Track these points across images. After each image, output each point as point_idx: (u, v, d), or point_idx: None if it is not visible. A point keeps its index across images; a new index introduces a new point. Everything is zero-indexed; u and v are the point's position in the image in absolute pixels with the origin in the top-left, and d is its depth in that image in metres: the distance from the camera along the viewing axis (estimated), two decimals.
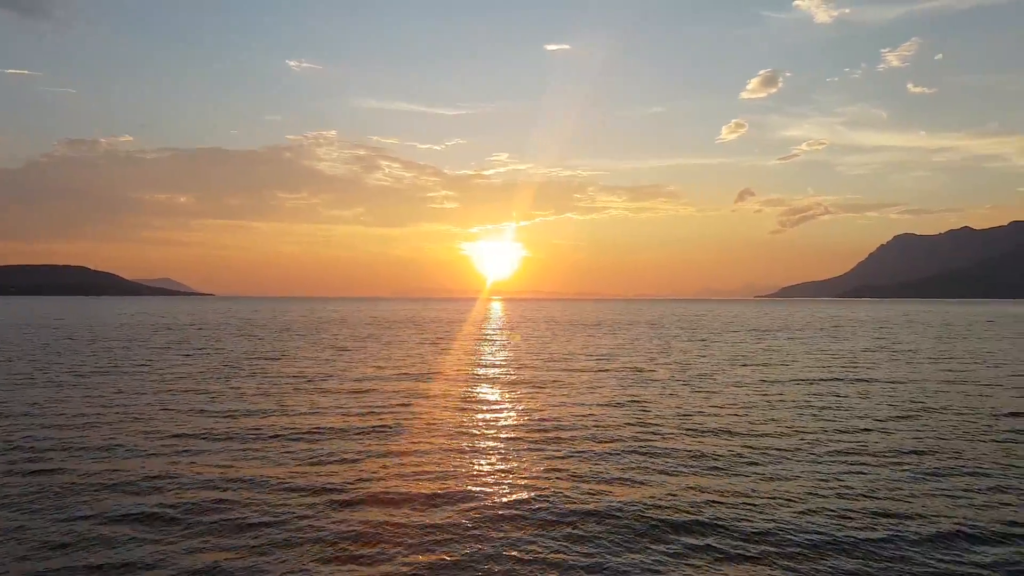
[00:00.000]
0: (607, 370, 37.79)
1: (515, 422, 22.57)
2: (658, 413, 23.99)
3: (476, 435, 20.40)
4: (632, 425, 21.74)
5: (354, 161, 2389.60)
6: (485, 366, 40.43)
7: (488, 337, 67.97)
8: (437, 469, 16.36)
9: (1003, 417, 23.55)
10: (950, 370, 38.14)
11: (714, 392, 29.30)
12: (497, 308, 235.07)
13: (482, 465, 16.88)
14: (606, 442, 19.32)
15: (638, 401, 26.73)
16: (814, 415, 23.74)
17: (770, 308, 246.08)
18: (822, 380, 33.48)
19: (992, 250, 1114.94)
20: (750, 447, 18.76)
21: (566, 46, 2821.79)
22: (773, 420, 22.76)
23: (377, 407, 25.06)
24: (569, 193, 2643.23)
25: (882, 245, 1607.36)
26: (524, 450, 18.53)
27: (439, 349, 52.49)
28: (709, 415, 23.67)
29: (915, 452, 18.26)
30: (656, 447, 18.72)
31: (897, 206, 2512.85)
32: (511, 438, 20.04)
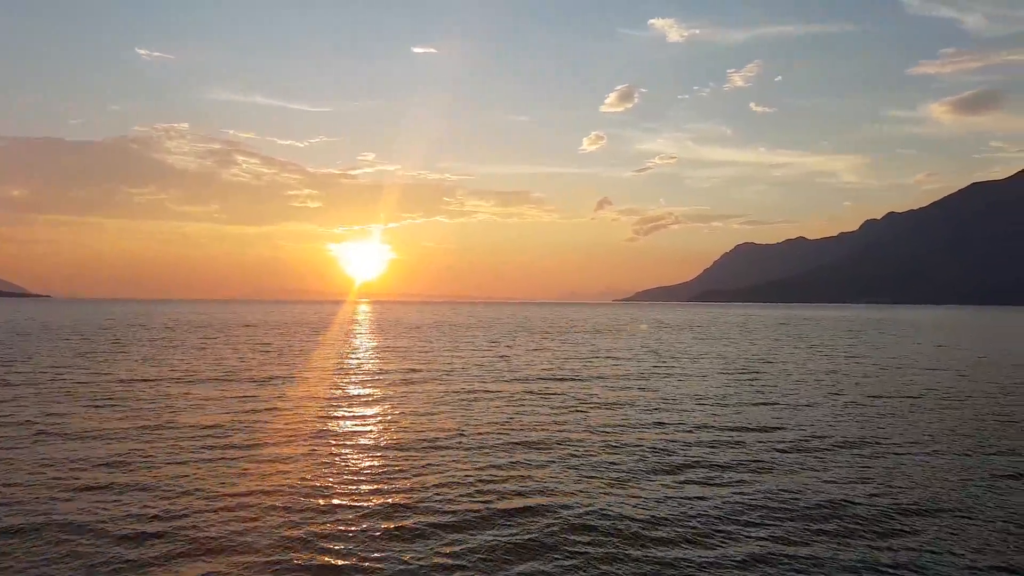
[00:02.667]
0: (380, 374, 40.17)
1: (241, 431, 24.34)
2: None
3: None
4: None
5: (208, 155, 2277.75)
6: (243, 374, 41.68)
7: (297, 341, 68.72)
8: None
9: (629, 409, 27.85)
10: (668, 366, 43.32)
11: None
12: (356, 310, 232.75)
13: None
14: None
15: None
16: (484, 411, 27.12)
17: (612, 311, 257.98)
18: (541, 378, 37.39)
19: (823, 259, 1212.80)
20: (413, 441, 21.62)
21: (432, 49, 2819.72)
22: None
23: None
24: (438, 196, 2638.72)
25: (725, 253, 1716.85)
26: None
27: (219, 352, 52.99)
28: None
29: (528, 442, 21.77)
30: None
31: (739, 217, 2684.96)
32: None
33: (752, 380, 37.29)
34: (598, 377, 37.96)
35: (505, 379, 36.59)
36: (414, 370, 40.89)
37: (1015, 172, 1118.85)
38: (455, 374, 38.86)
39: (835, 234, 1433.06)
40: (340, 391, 31.87)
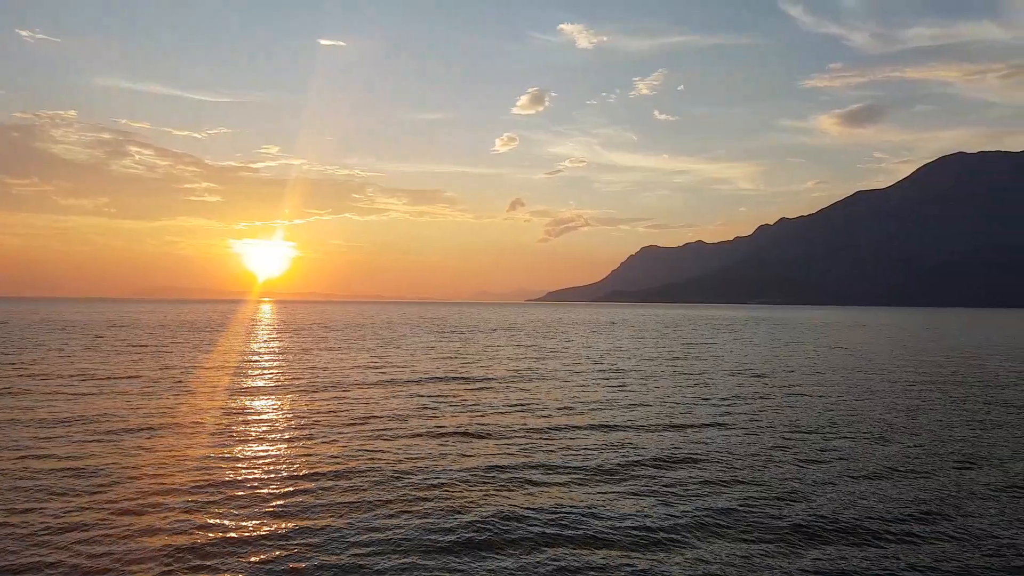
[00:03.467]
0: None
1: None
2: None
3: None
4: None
5: (97, 145, 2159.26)
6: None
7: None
8: None
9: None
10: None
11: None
12: (254, 310, 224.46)
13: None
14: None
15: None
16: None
17: (522, 311, 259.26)
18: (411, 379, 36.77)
19: (720, 261, 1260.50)
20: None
21: (341, 43, 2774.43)
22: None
23: None
24: (348, 193, 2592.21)
25: (631, 255, 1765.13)
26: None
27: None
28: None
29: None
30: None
31: (644, 220, 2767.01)
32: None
33: (617, 378, 37.78)
34: (471, 377, 37.61)
35: (370, 381, 35.75)
36: (276, 371, 39.53)
37: (895, 181, 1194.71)
38: (320, 376, 37.74)
39: (731, 238, 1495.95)
40: (186, 395, 30.27)
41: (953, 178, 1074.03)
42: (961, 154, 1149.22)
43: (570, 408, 27.46)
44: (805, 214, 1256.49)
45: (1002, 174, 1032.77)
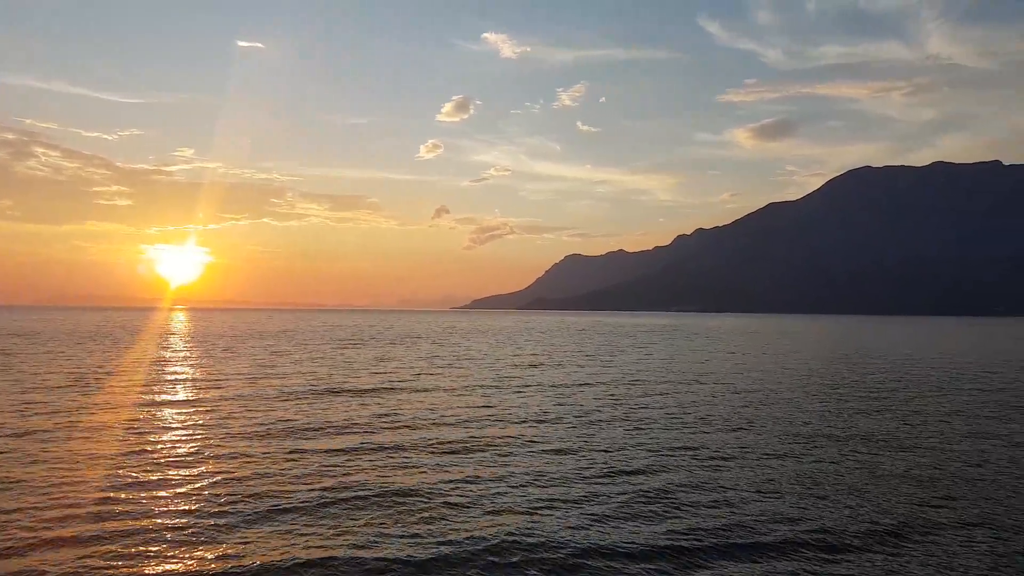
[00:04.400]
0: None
1: None
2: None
3: None
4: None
5: (0, 146, 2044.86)
6: None
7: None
8: None
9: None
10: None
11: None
12: (160, 318, 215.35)
13: None
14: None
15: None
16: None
17: (443, 319, 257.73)
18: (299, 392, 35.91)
19: (640, 270, 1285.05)
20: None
21: (259, 44, 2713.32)
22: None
23: None
24: (266, 197, 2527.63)
25: (555, 263, 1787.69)
26: None
27: None
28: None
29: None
30: None
31: (568, 229, 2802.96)
32: None
33: (495, 389, 37.80)
34: (344, 389, 36.97)
35: (236, 395, 34.74)
36: (140, 385, 38.02)
37: (806, 194, 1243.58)
38: (186, 391, 36.49)
39: (651, 247, 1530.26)
40: (27, 411, 28.72)
41: (860, 191, 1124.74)
42: (867, 168, 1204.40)
43: (434, 422, 27.22)
44: (721, 225, 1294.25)
45: (905, 188, 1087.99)
